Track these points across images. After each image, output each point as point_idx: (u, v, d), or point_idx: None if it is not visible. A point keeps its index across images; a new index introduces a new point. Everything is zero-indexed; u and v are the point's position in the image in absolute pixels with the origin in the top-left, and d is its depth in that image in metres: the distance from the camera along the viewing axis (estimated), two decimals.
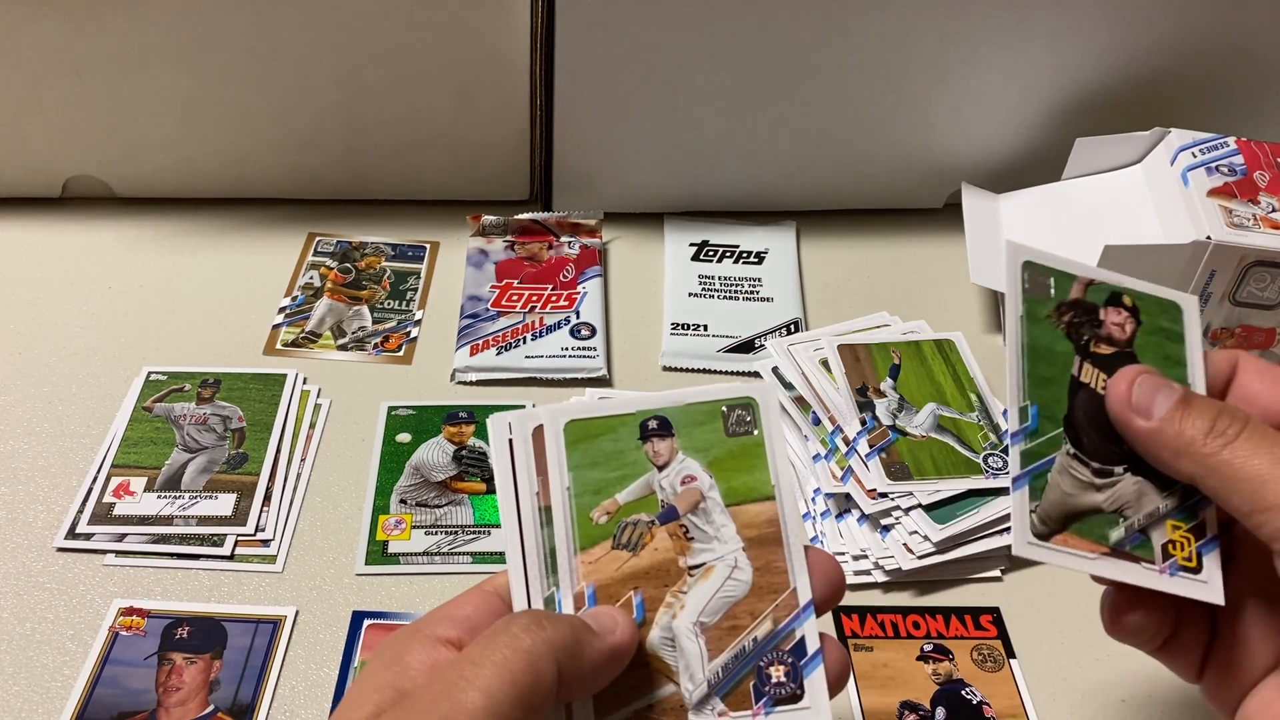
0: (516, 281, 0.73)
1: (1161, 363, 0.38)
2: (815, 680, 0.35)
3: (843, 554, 0.57)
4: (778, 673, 0.35)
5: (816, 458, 0.61)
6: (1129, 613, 0.37)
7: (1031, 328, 0.38)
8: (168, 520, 0.58)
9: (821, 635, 0.36)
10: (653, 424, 0.37)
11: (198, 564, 0.56)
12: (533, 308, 0.71)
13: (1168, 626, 0.38)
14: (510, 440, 0.36)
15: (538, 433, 0.36)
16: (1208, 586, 0.36)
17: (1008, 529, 0.38)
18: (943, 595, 0.57)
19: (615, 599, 0.35)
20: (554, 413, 0.36)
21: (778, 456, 0.37)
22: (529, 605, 0.35)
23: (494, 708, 0.29)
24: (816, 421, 0.61)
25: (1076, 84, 0.73)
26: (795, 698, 0.35)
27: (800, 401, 0.63)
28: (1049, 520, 0.36)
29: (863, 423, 0.60)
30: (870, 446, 0.59)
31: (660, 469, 0.37)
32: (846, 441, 0.60)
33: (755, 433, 0.37)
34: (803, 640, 0.36)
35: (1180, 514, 0.37)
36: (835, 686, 0.36)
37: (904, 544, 0.56)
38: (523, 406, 0.64)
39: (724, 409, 0.37)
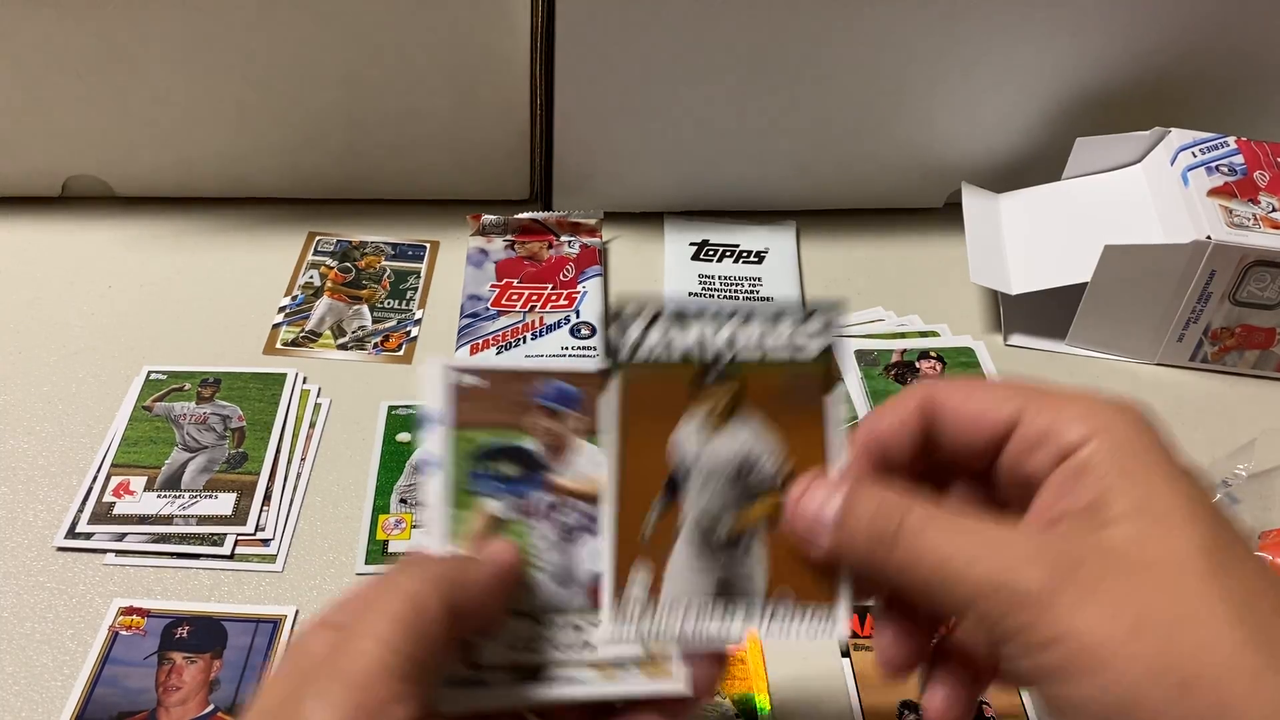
0: (516, 281, 0.73)
1: None
2: None
3: None
4: None
5: None
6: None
7: None
8: (168, 520, 0.58)
9: None
10: None
11: (198, 563, 0.56)
12: (533, 307, 0.71)
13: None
14: None
15: None
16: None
17: None
18: None
19: None
20: None
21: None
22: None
23: (387, 645, 0.29)
24: None
25: (1076, 84, 0.73)
26: None
27: None
28: None
29: None
30: None
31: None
32: None
33: None
34: None
35: None
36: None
37: None
38: None
39: None
